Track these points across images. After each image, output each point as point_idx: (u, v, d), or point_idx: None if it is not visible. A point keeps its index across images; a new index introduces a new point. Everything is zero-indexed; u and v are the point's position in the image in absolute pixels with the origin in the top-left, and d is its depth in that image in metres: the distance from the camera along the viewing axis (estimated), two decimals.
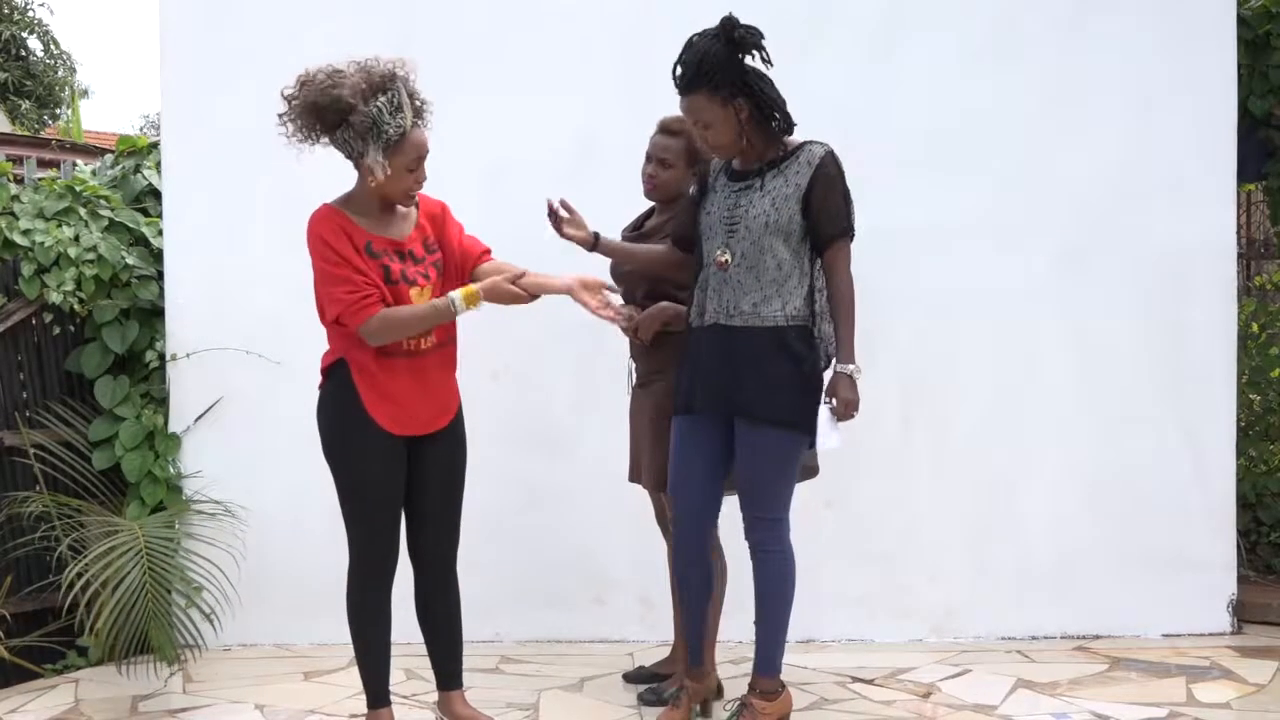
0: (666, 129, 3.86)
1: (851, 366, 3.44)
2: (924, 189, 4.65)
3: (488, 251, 3.55)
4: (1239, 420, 4.98)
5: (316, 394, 3.46)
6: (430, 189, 3.45)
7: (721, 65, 3.33)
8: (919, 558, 4.69)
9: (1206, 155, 4.71)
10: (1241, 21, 4.98)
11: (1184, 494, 4.70)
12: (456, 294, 3.32)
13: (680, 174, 3.84)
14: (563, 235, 3.67)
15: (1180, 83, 4.69)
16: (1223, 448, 4.73)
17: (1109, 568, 4.69)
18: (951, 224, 4.66)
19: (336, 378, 3.39)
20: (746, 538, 3.53)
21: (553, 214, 3.67)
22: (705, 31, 3.37)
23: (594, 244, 3.69)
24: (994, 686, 4.09)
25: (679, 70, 3.38)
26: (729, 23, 3.34)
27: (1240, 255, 5.90)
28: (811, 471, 3.77)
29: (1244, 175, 5.16)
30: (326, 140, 3.31)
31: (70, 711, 4.03)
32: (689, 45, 3.37)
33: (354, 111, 3.19)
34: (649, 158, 3.87)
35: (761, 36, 3.38)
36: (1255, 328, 5.72)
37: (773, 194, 3.43)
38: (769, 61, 3.39)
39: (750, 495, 3.49)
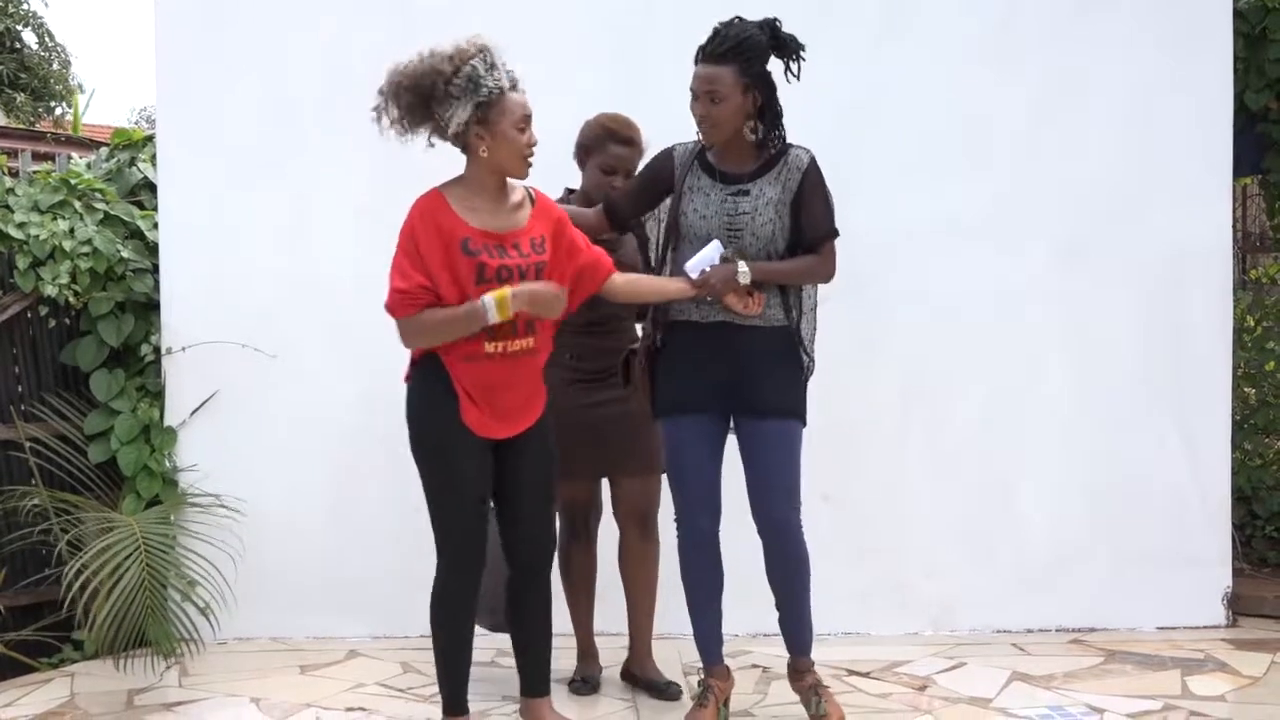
0: (626, 140, 3.83)
1: (749, 271, 3.41)
2: (923, 189, 4.65)
3: (613, 264, 3.52)
4: (1234, 414, 4.98)
5: (404, 388, 3.39)
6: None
7: (761, 53, 3.43)
8: (916, 551, 4.69)
9: (1203, 152, 4.71)
10: (1238, 15, 4.97)
11: (1179, 488, 4.71)
12: (489, 298, 3.19)
13: None
14: None
15: (1177, 78, 4.69)
16: (1218, 441, 4.74)
17: (1104, 561, 4.69)
18: (950, 223, 4.66)
19: (425, 369, 3.33)
20: (777, 537, 3.50)
21: None
22: (750, 20, 3.45)
23: None
24: (989, 679, 4.09)
25: (716, 40, 3.42)
26: (776, 23, 3.46)
27: (1236, 248, 5.89)
28: None
29: (1240, 170, 5.15)
30: (430, 128, 3.29)
31: (66, 705, 4.03)
32: (731, 23, 3.44)
33: (450, 77, 3.22)
34: (612, 170, 3.82)
35: (803, 50, 3.47)
36: (1250, 321, 5.72)
37: (774, 201, 3.47)
38: (797, 76, 3.48)
39: (781, 490, 3.49)
